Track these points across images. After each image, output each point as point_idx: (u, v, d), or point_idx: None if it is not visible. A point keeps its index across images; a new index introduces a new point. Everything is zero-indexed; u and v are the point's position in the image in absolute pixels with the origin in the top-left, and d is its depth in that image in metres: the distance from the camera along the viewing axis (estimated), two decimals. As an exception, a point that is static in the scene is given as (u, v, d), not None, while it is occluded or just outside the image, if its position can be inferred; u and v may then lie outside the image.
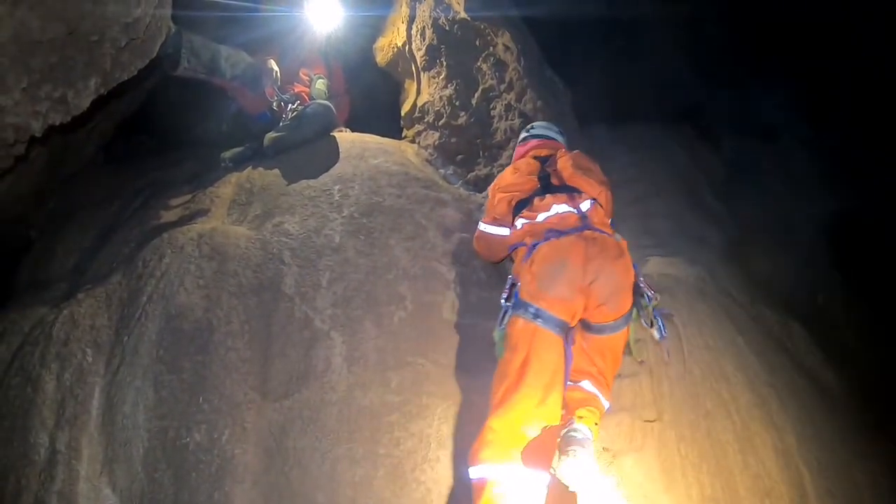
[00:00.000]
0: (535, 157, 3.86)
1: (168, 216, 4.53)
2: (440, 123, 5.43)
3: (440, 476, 3.20)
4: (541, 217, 3.40)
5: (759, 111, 6.64)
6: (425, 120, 5.57)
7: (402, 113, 5.97)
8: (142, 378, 3.49)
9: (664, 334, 3.26)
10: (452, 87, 5.37)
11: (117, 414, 3.43)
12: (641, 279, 3.30)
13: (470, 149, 5.22)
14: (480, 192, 4.92)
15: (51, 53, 3.32)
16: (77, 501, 3.25)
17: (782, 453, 3.38)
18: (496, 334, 3.24)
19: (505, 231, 3.73)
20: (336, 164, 4.75)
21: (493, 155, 5.04)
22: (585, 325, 3.26)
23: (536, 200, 3.51)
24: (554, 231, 3.25)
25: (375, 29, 6.45)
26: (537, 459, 2.87)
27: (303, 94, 5.66)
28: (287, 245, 4.02)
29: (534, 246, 3.24)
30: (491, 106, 5.19)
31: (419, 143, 5.58)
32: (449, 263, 4.07)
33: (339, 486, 3.15)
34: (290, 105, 5.40)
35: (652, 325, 3.27)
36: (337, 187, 4.46)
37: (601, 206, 3.48)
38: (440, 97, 5.48)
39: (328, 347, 3.55)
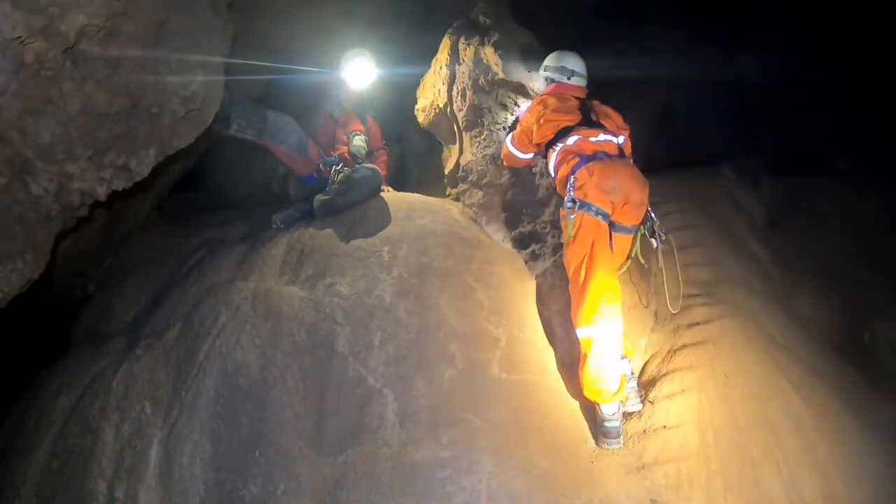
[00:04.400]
0: (574, 97, 4.58)
1: (223, 275, 4.69)
2: (483, 182, 5.52)
3: (490, 530, 3.25)
4: (592, 139, 4.19)
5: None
6: (469, 179, 5.66)
7: (446, 172, 6.09)
8: (199, 431, 3.62)
9: (660, 243, 4.09)
10: (494, 147, 5.49)
11: (175, 465, 3.54)
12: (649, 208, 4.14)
13: (513, 207, 5.30)
14: (525, 248, 5.00)
15: (115, 125, 3.55)
16: (134, 549, 3.34)
17: (830, 499, 3.35)
18: (569, 220, 4.02)
19: (529, 155, 4.80)
20: (385, 225, 4.87)
21: (536, 212, 5.10)
22: (611, 224, 4.03)
23: (583, 129, 4.27)
24: (603, 153, 4.11)
25: (410, 87, 6.65)
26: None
27: (344, 154, 5.85)
28: (339, 305, 4.14)
29: (587, 160, 4.07)
30: (533, 164, 5.31)
31: (464, 201, 5.68)
32: (497, 322, 4.15)
33: (392, 538, 3.22)
34: (334, 167, 5.59)
35: (653, 236, 4.11)
36: (386, 248, 4.57)
37: (628, 140, 4.43)
38: (482, 156, 5.57)
39: (381, 404, 3.65)
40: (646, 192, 4.02)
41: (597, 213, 3.92)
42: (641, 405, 3.92)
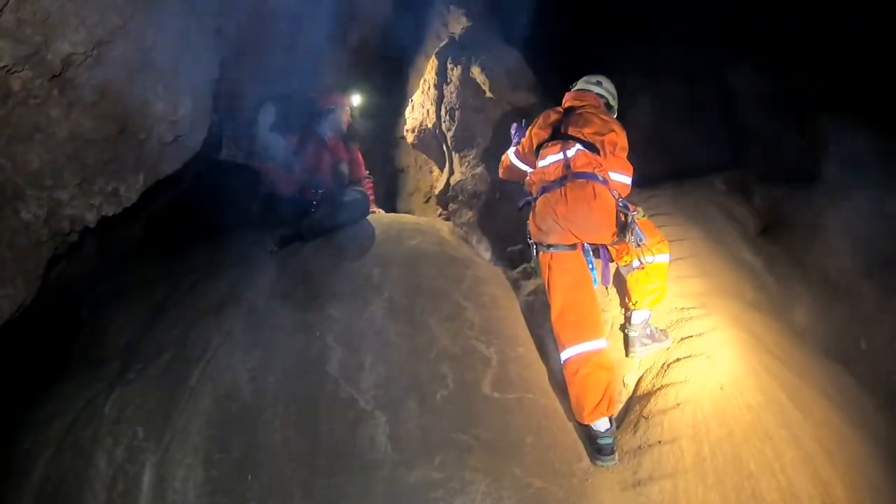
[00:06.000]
0: (565, 108, 4.37)
1: (215, 300, 4.70)
2: (474, 201, 5.55)
3: (483, 550, 3.22)
4: (540, 164, 4.12)
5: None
6: (459, 198, 5.69)
7: (437, 192, 6.11)
8: (192, 455, 3.62)
9: (639, 244, 3.82)
10: (484, 166, 5.50)
11: (168, 489, 3.53)
12: (621, 203, 3.90)
13: (504, 225, 5.31)
14: (515, 267, 5.01)
15: (103, 151, 3.58)
16: (127, 574, 3.32)
17: (829, 507, 3.36)
18: (533, 262, 4.13)
19: (528, 168, 4.39)
20: (375, 247, 4.90)
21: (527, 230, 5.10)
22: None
23: (541, 149, 4.16)
24: (546, 185, 4.01)
25: (398, 107, 6.69)
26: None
27: (328, 179, 5.88)
28: (330, 328, 4.15)
29: (535, 198, 4.08)
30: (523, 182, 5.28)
31: (454, 220, 5.70)
32: (488, 341, 4.14)
33: (386, 562, 3.20)
34: (319, 191, 5.61)
35: (629, 238, 3.84)
36: (376, 269, 4.59)
37: (592, 149, 4.04)
38: (472, 175, 5.61)
39: (373, 427, 3.63)
40: (596, 205, 3.85)
41: (548, 248, 3.94)
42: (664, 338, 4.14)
